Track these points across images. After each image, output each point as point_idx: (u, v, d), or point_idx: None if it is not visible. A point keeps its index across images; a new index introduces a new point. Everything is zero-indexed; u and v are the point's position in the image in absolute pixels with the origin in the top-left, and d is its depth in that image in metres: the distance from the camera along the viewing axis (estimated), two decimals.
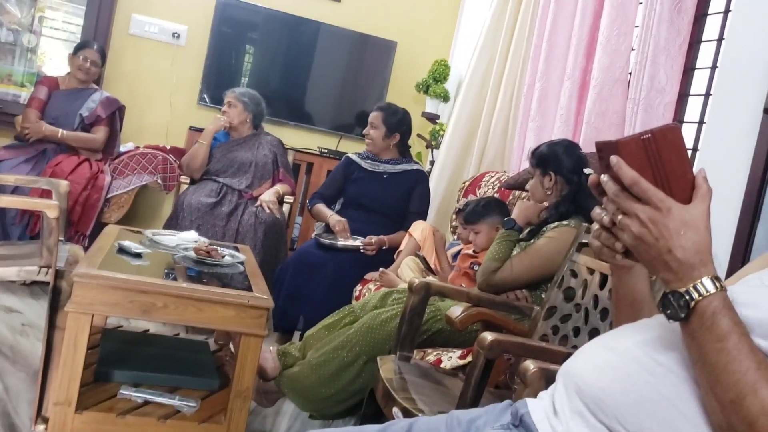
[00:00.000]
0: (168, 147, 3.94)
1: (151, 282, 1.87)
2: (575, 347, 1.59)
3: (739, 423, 0.78)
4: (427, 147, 4.39)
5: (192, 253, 2.26)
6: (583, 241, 1.89)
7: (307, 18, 4.42)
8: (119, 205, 3.62)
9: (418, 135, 4.53)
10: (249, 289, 2.04)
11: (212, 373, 2.23)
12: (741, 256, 1.72)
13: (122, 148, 3.80)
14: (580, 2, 3.22)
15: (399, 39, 4.56)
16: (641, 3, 2.93)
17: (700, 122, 2.69)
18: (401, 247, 3.01)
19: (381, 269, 2.80)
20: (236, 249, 2.53)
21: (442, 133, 4.19)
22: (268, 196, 3.46)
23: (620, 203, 0.89)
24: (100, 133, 3.61)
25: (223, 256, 2.29)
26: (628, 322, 1.06)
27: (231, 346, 2.46)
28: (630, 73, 2.95)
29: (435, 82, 4.39)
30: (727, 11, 2.66)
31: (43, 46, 4.18)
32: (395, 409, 1.56)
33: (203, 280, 2.15)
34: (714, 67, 2.66)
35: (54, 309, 1.92)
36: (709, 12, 2.81)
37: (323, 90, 4.61)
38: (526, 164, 2.85)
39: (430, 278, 2.62)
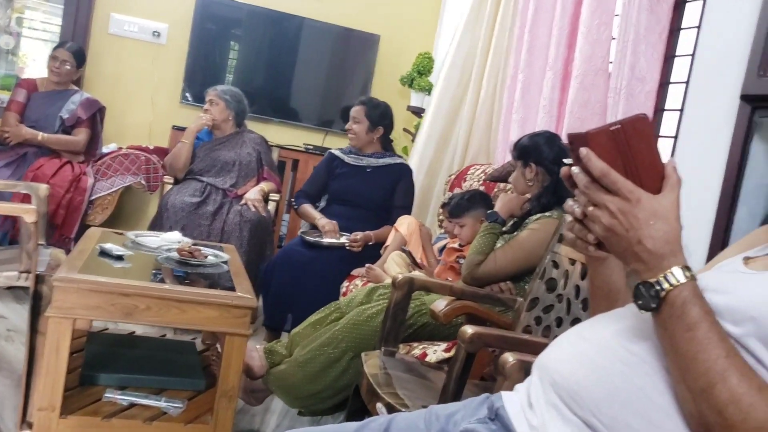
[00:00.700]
0: (151, 147, 3.92)
1: (132, 284, 1.86)
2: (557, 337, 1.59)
3: (709, 411, 0.78)
4: (413, 141, 4.38)
5: (175, 254, 2.25)
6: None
7: (289, 13, 4.40)
8: (103, 206, 3.60)
9: (404, 129, 4.52)
10: (232, 288, 2.03)
11: (198, 373, 2.22)
12: (720, 241, 1.73)
13: (105, 150, 3.78)
14: None
15: (382, 32, 4.55)
16: None
17: (682, 110, 2.70)
18: (387, 242, 3.01)
19: (367, 265, 2.80)
20: (220, 249, 2.52)
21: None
22: (252, 194, 3.45)
23: (590, 195, 0.89)
24: (81, 135, 3.58)
25: (206, 257, 2.28)
26: (605, 312, 1.07)
27: (218, 345, 2.45)
28: (611, 63, 2.95)
29: (419, 75, 4.39)
30: None
31: (24, 48, 4.15)
32: (379, 405, 1.56)
33: (186, 281, 2.14)
34: (694, 54, 2.66)
35: (36, 314, 1.91)
36: None
37: (308, 86, 4.59)
38: (510, 156, 2.85)
39: (415, 273, 2.62)
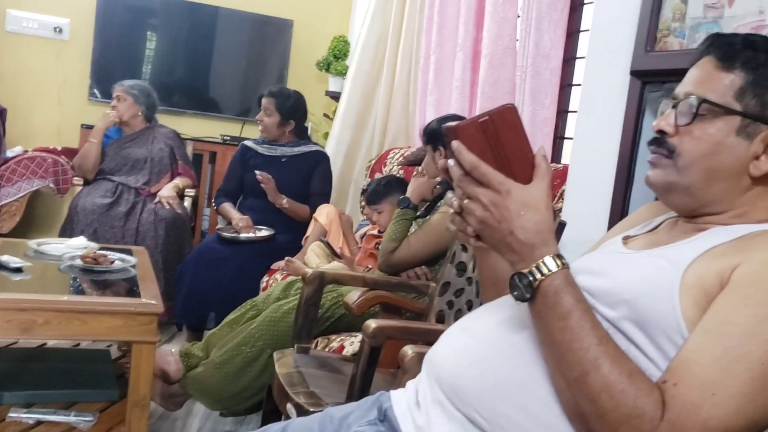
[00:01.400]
0: (60, 148, 3.76)
1: (28, 298, 1.78)
2: None
3: (583, 400, 0.79)
4: None
5: (78, 262, 2.16)
6: None
7: (203, 3, 4.27)
8: (11, 213, 3.45)
9: (324, 115, 4.47)
10: (138, 295, 1.97)
11: (111, 383, 2.15)
12: (618, 216, 1.76)
13: (9, 153, 3.60)
14: None
15: (296, 17, 4.47)
16: None
17: (580, 85, 2.75)
18: (308, 233, 2.97)
19: (287, 258, 2.76)
20: (129, 252, 2.44)
21: None
22: (166, 191, 3.35)
23: (464, 188, 0.88)
24: None
25: (112, 262, 2.20)
26: (494, 299, 1.07)
27: None
28: (518, 41, 2.97)
29: (335, 59, 4.33)
30: None
31: None
32: (289, 406, 1.54)
33: (87, 290, 2.06)
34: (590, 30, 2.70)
35: None
36: None
37: (225, 75, 4.48)
38: None
39: (334, 264, 2.61)
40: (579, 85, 2.83)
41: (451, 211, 0.93)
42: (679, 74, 1.00)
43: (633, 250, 1.02)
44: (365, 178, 3.49)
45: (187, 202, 3.53)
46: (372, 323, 1.40)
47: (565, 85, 2.91)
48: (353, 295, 1.87)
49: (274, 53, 4.50)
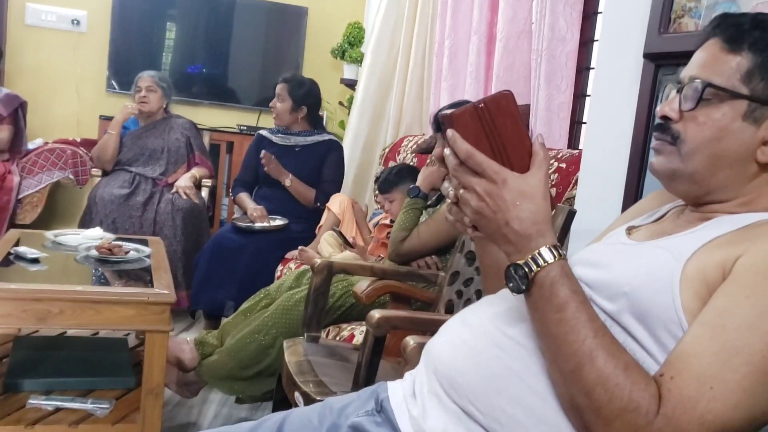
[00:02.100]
0: (79, 140, 3.80)
1: (43, 289, 1.81)
2: None
3: (579, 394, 0.78)
4: (349, 115, 4.33)
5: (94, 252, 2.19)
6: None
7: None
8: (33, 205, 3.50)
9: (340, 103, 4.46)
10: (152, 284, 1.99)
11: (128, 371, 2.18)
12: (632, 201, 1.73)
13: (30, 145, 3.65)
14: None
15: (309, 5, 4.45)
16: None
17: (595, 69, 2.70)
18: (321, 223, 2.98)
19: (300, 247, 2.77)
20: (145, 242, 2.46)
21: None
22: (183, 181, 3.38)
23: (459, 177, 0.87)
24: (3, 132, 3.45)
25: (126, 252, 2.23)
26: (497, 290, 1.06)
27: None
28: (533, 24, 2.93)
29: (350, 46, 4.31)
30: None
31: None
32: (297, 394, 1.54)
33: (102, 280, 2.09)
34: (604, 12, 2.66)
35: None
36: None
37: (242, 65, 4.49)
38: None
39: (346, 253, 2.61)
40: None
41: (448, 201, 0.92)
42: None
43: (636, 241, 1.00)
44: (379, 167, 3.48)
45: (205, 192, 3.55)
46: (376, 313, 1.39)
47: (582, 68, 2.86)
48: (362, 285, 1.87)
49: (289, 42, 4.50)
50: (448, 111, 0.89)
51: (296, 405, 1.55)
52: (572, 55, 2.75)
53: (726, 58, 0.91)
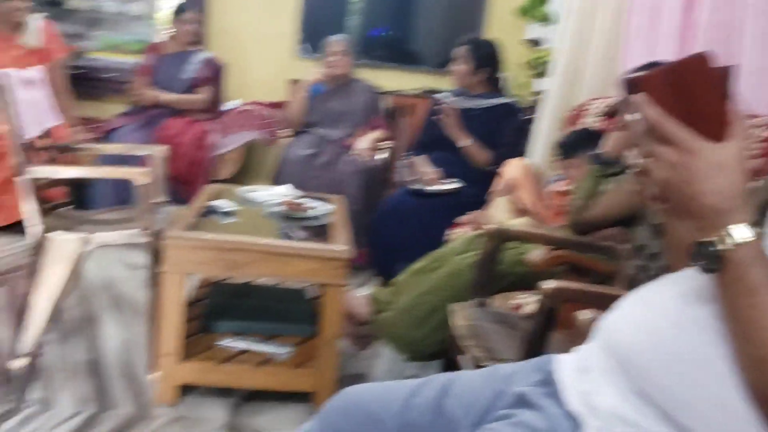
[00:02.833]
0: (270, 101, 4.04)
1: (235, 240, 1.96)
2: None
3: None
4: (534, 77, 4.20)
5: (280, 208, 2.34)
6: None
7: None
8: (230, 162, 3.79)
9: (524, 63, 4.34)
10: (331, 240, 2.09)
11: (308, 320, 2.32)
12: None
13: (228, 106, 3.95)
14: None
15: None
16: None
17: None
18: (495, 188, 2.94)
19: (472, 212, 2.75)
20: (327, 200, 2.58)
21: (544, 59, 3.98)
22: (363, 143, 3.49)
23: (647, 145, 0.81)
24: (204, 94, 3.77)
25: (309, 209, 2.35)
26: (682, 268, 0.99)
27: None
28: None
29: (536, 4, 4.16)
30: None
31: (149, 11, 4.38)
32: (463, 358, 1.55)
33: (286, 234, 2.23)
34: None
35: (155, 268, 2.06)
36: None
37: (425, 27, 4.52)
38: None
39: (515, 221, 2.55)
40: None
41: (634, 170, 0.87)
42: None
43: None
44: (561, 130, 3.35)
45: (383, 155, 3.64)
46: (550, 283, 1.36)
47: None
48: (536, 253, 1.83)
49: (472, 1, 4.43)
50: (637, 73, 0.82)
51: (462, 368, 1.56)
52: None
53: None
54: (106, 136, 3.62)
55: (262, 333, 2.25)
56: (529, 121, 3.62)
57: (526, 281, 2.10)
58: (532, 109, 3.80)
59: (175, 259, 1.93)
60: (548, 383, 0.96)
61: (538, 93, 4.03)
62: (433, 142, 3.31)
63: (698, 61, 0.80)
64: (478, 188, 3.09)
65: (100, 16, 4.41)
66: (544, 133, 3.59)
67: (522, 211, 2.71)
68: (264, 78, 4.40)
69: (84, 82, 4.10)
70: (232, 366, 2.05)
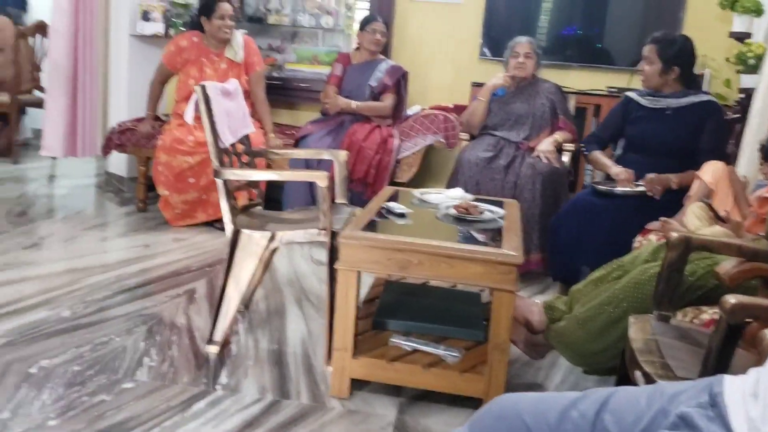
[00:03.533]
0: (452, 105, 4.07)
1: (405, 241, 1.99)
2: None
3: None
4: (739, 72, 3.81)
5: (452, 211, 2.34)
6: None
7: None
8: (409, 165, 3.87)
9: (727, 59, 3.97)
10: (501, 245, 2.05)
11: (479, 324, 2.30)
12: None
13: (409, 112, 4.04)
14: None
15: None
16: None
17: None
18: (690, 192, 2.71)
19: (662, 218, 2.56)
20: (500, 204, 2.54)
21: (754, 54, 3.60)
22: (545, 145, 3.39)
23: None
24: (388, 101, 3.89)
25: (481, 212, 2.33)
26: None
27: None
28: None
29: None
30: None
31: (341, 25, 4.61)
32: (637, 373, 1.45)
33: (456, 237, 2.22)
34: None
35: (333, 266, 2.16)
36: None
37: (619, 25, 4.28)
38: None
39: (710, 229, 2.33)
40: None
41: None
42: None
43: None
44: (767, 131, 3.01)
45: (567, 157, 3.51)
46: (731, 298, 1.22)
47: None
48: (727, 265, 1.65)
49: None
50: None
51: (636, 385, 1.45)
52: None
53: None
54: (299, 141, 3.86)
55: (433, 334, 2.27)
56: (733, 121, 3.30)
57: (719, 295, 1.91)
58: (738, 107, 3.47)
59: (349, 257, 2.01)
60: (715, 405, 0.86)
61: (746, 90, 3.66)
62: (626, 143, 3.13)
63: None
64: (671, 192, 2.87)
65: (298, 30, 4.72)
66: (753, 134, 3.26)
67: (719, 219, 2.47)
68: (445, 82, 4.45)
69: (281, 92, 4.42)
70: (402, 365, 2.09)
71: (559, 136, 3.47)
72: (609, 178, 3.07)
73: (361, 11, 4.49)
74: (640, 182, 2.90)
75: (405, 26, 4.45)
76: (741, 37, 3.80)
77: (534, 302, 2.36)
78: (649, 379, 1.39)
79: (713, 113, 2.93)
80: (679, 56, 2.94)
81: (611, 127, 3.18)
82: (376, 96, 3.90)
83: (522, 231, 2.29)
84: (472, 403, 2.05)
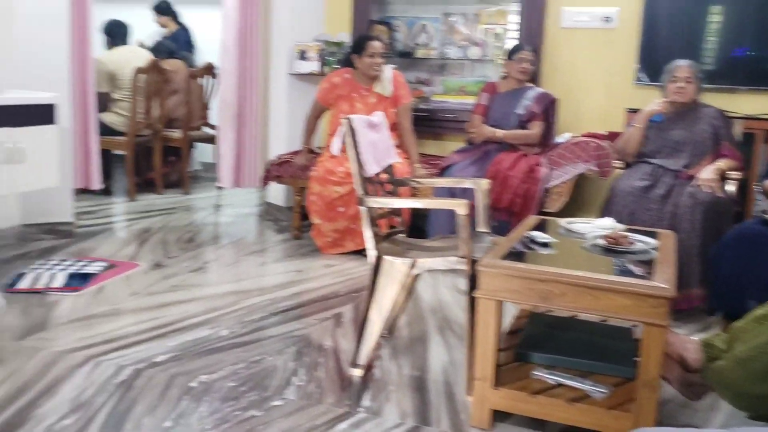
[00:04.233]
0: (605, 133, 3.93)
1: (547, 270, 1.95)
2: None
3: None
4: None
5: (601, 241, 2.26)
6: None
7: None
8: (559, 194, 3.77)
9: None
10: (652, 277, 1.94)
11: (628, 360, 2.19)
12: None
13: (558, 139, 3.95)
14: None
15: None
16: None
17: None
18: None
19: None
20: (653, 235, 2.41)
21: None
22: (706, 173, 3.17)
23: None
24: (535, 129, 3.83)
25: (632, 243, 2.22)
26: None
27: None
28: None
29: None
30: None
31: (489, 55, 4.62)
32: None
33: (604, 268, 2.13)
34: None
35: (472, 294, 2.15)
36: None
37: None
38: None
39: None
40: None
41: None
42: None
43: None
44: None
45: (732, 186, 3.27)
46: None
47: None
48: None
49: None
50: None
51: None
52: None
53: None
54: (444, 171, 3.90)
55: (579, 369, 2.18)
56: None
57: None
58: None
59: (488, 286, 1.99)
60: None
61: None
62: None
63: None
64: None
65: (446, 62, 4.80)
66: None
67: None
68: (598, 109, 4.31)
69: (427, 123, 4.50)
70: (545, 398, 2.03)
71: (722, 163, 3.25)
72: None
73: (510, 41, 4.48)
74: None
75: (555, 53, 4.38)
76: None
77: (689, 339, 2.20)
78: None
79: None
80: None
81: None
82: (523, 124, 3.87)
83: (679, 264, 2.16)
84: None
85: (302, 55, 4.71)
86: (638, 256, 2.19)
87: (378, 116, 2.74)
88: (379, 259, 2.35)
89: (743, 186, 3.48)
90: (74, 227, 4.18)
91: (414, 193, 3.65)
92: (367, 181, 2.44)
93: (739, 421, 2.19)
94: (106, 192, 5.19)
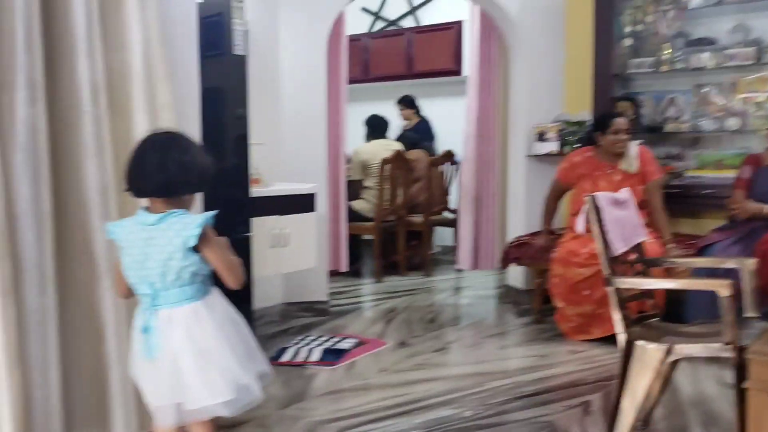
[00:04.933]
0: None
1: None
2: None
3: None
4: None
5: None
6: None
7: None
8: None
9: None
10: None
11: None
12: None
13: None
14: None
15: None
16: None
17: None
18: None
19: None
20: None
21: None
22: None
23: None
24: None
25: None
26: None
27: None
28: None
29: None
30: None
31: (750, 124, 4.22)
32: None
33: None
34: None
35: (741, 386, 1.92)
36: None
37: None
38: None
39: None
40: None
41: None
42: None
43: None
44: None
45: None
46: None
47: None
48: None
49: None
50: None
51: None
52: None
53: None
54: (702, 250, 3.59)
55: None
56: None
57: None
58: None
59: (760, 376, 1.76)
60: None
61: None
62: None
63: None
64: None
65: (699, 136, 4.49)
66: None
67: None
68: None
69: (680, 200, 4.20)
70: None
71: None
72: None
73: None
74: None
75: None
76: None
77: None
78: None
79: None
80: None
81: None
82: None
83: None
84: None
85: (541, 137, 4.73)
86: None
87: (624, 193, 2.63)
88: (630, 344, 2.21)
89: None
90: (328, 306, 4.51)
91: (668, 275, 3.40)
92: (614, 260, 2.33)
93: None
94: (356, 274, 5.56)
